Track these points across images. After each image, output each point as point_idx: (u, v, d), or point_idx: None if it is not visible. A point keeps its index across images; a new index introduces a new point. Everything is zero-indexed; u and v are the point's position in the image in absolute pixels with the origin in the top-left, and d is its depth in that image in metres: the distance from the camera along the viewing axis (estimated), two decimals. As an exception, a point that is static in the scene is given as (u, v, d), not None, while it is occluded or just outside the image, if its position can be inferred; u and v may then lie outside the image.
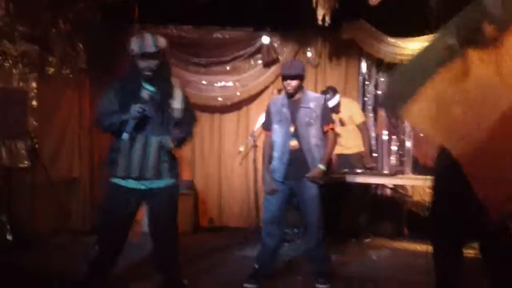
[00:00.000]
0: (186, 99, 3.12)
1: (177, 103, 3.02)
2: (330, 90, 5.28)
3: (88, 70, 5.42)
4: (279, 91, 5.72)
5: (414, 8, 4.92)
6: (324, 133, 3.67)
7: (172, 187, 3.10)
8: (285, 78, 3.62)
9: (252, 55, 5.87)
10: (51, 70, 5.11)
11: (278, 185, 3.63)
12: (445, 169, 2.75)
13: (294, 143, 3.62)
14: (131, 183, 3.00)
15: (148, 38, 2.92)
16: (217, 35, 5.83)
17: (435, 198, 2.87)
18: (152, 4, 5.29)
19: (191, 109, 3.20)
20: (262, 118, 5.70)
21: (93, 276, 3.07)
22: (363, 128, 5.41)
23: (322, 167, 3.57)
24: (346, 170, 5.03)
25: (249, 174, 5.85)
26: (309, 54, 5.86)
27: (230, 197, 6.03)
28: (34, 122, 4.97)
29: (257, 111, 5.93)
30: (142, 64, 2.93)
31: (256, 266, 3.70)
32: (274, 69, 5.83)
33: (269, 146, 3.73)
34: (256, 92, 5.93)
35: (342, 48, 5.85)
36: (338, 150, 5.28)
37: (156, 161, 2.97)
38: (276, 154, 3.67)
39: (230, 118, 6.07)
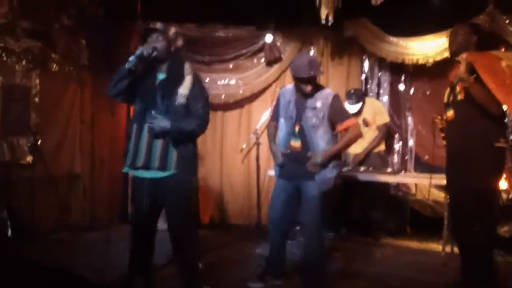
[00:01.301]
0: (196, 88, 2.99)
1: (183, 89, 2.94)
2: (354, 96, 5.14)
3: (90, 66, 5.43)
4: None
5: (417, 7, 4.92)
6: (340, 132, 3.43)
7: (180, 179, 2.97)
8: (303, 80, 3.28)
9: (255, 53, 5.87)
10: (54, 66, 5.12)
11: (283, 184, 3.54)
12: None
13: (296, 144, 3.41)
14: (141, 173, 3.00)
15: (159, 23, 3.00)
16: (220, 33, 5.83)
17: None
18: (155, 1, 5.30)
19: (201, 100, 3.00)
20: (265, 116, 5.79)
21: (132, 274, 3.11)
22: (382, 128, 5.27)
23: (318, 158, 3.31)
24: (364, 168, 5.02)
25: (251, 172, 5.85)
26: (311, 52, 5.85)
27: (232, 194, 6.02)
28: (37, 118, 4.98)
29: (260, 109, 5.95)
30: (149, 42, 2.94)
31: (263, 265, 3.65)
32: (276, 67, 5.85)
33: (274, 128, 3.65)
34: (259, 90, 5.93)
35: (344, 46, 5.84)
36: (358, 149, 5.26)
37: (163, 151, 2.92)
38: (279, 149, 3.56)
39: (232, 116, 6.07)
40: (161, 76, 3.00)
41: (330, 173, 3.38)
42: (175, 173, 2.95)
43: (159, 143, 2.92)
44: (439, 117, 3.65)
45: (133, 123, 3.02)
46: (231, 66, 5.93)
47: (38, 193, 4.84)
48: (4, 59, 4.70)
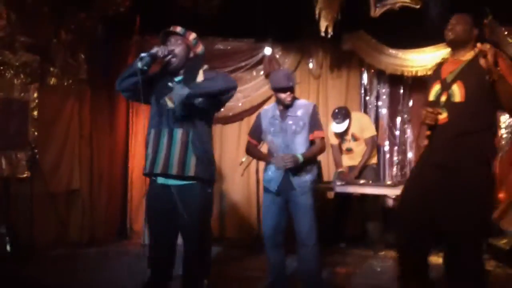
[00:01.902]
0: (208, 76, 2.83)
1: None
2: (340, 115, 5.14)
3: (89, 81, 5.41)
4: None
5: (415, 19, 4.93)
6: (311, 142, 3.51)
7: (199, 186, 2.77)
8: (283, 90, 3.43)
9: (254, 66, 5.89)
10: (52, 80, 5.12)
11: (272, 197, 3.51)
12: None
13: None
14: (160, 179, 2.80)
15: (180, 27, 2.85)
16: (219, 46, 5.84)
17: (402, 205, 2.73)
18: (154, 16, 5.30)
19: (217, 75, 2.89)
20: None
21: None
22: (369, 141, 5.27)
23: (299, 155, 3.36)
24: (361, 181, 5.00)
25: (251, 185, 5.81)
26: (310, 65, 5.87)
27: (232, 208, 5.98)
28: (35, 133, 4.96)
29: (259, 122, 5.93)
30: (167, 45, 2.78)
31: (269, 281, 3.58)
32: (275, 80, 5.85)
33: (254, 147, 3.72)
34: (258, 103, 5.92)
35: (343, 59, 5.86)
36: (350, 163, 5.32)
37: (181, 156, 2.72)
38: (270, 165, 3.52)
39: (232, 129, 6.06)
40: (178, 79, 2.81)
41: (306, 176, 3.47)
42: (196, 179, 2.75)
43: (177, 147, 2.72)
44: (432, 111, 2.88)
45: (150, 128, 2.84)
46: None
47: (37, 208, 4.79)
48: (2, 72, 4.70)
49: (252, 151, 3.75)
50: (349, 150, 5.32)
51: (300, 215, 3.45)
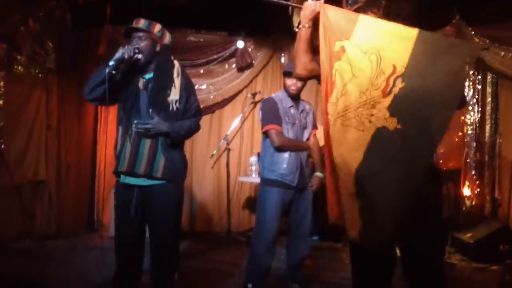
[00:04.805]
0: (186, 87, 2.79)
1: (174, 95, 2.72)
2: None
3: (57, 71, 5.28)
4: (253, 95, 5.76)
5: (384, 18, 5.00)
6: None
7: (168, 188, 2.72)
8: (290, 75, 3.34)
9: (226, 59, 5.86)
10: (19, 69, 4.97)
11: (282, 194, 3.39)
12: None
13: None
14: (125, 178, 2.74)
15: (143, 20, 2.77)
16: (191, 38, 5.79)
17: None
18: (125, 6, 5.20)
19: (192, 95, 2.84)
20: (236, 122, 5.77)
21: None
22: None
23: (320, 174, 3.53)
24: None
25: (222, 179, 5.81)
26: (282, 59, 5.89)
27: (202, 201, 5.96)
28: (1, 122, 4.82)
29: (230, 115, 5.93)
30: (131, 42, 2.72)
31: (250, 286, 3.40)
32: (248, 73, 5.87)
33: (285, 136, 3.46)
34: (230, 96, 5.92)
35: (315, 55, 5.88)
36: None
37: (150, 156, 2.67)
38: (286, 156, 3.40)
39: (203, 122, 5.86)
40: (147, 76, 2.77)
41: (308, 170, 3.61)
42: (163, 181, 2.71)
43: (146, 147, 2.68)
44: None
45: (118, 125, 2.78)
46: (202, 71, 5.89)
47: (1, 200, 4.68)
48: (-33, 61, 4.55)
49: (288, 141, 3.44)
50: None
51: (304, 210, 3.51)
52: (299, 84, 3.45)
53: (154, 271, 2.81)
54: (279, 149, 3.40)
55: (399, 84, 1.97)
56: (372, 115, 2.00)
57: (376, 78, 2.01)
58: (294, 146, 3.44)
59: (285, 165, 3.39)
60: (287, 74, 3.46)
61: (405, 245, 2.20)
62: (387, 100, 1.98)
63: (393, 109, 1.96)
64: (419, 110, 1.94)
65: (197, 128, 2.91)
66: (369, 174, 1.99)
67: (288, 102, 3.50)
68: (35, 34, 4.98)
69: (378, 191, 1.98)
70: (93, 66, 5.45)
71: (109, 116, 5.78)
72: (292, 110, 3.50)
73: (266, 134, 3.49)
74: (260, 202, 3.46)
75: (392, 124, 1.96)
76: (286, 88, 3.52)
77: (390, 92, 1.98)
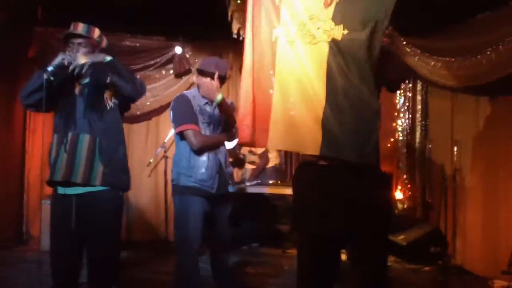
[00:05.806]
0: None
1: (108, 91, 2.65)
2: None
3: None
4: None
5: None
6: None
7: (108, 195, 2.61)
8: (223, 78, 3.12)
9: (163, 64, 5.77)
10: None
11: (202, 200, 3.04)
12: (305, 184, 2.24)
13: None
14: (61, 189, 2.61)
15: (82, 24, 2.65)
16: (127, 42, 5.64)
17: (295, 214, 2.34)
18: (59, 8, 5.00)
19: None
20: (173, 129, 5.65)
21: None
22: (262, 155, 5.56)
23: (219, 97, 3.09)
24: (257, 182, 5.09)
25: (159, 186, 5.71)
26: (221, 65, 5.87)
27: (138, 210, 5.83)
28: None
29: (168, 122, 5.77)
30: (71, 48, 2.60)
31: None
32: (185, 79, 5.80)
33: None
34: (167, 103, 5.79)
35: (253, 61, 5.91)
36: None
37: (87, 165, 2.55)
38: (204, 160, 3.06)
39: (139, 128, 5.91)
40: (83, 82, 2.67)
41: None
42: (104, 188, 2.59)
43: (83, 154, 2.56)
44: None
45: (54, 134, 2.65)
46: (138, 77, 5.73)
47: None
48: None
49: (207, 139, 3.09)
50: (252, 163, 5.49)
51: (226, 217, 3.19)
52: (215, 84, 3.03)
53: (93, 285, 2.69)
54: (199, 151, 3.06)
55: None
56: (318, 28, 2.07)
57: None
58: (215, 144, 3.12)
59: (203, 170, 3.04)
60: (201, 72, 3.09)
61: (353, 245, 2.22)
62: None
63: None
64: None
65: (141, 85, 2.72)
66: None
67: (202, 99, 3.12)
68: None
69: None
70: (23, 69, 5.20)
71: (38, 123, 5.54)
72: (208, 108, 3.12)
73: (181, 136, 3.10)
74: (181, 217, 3.07)
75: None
76: (199, 87, 3.13)
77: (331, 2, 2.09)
